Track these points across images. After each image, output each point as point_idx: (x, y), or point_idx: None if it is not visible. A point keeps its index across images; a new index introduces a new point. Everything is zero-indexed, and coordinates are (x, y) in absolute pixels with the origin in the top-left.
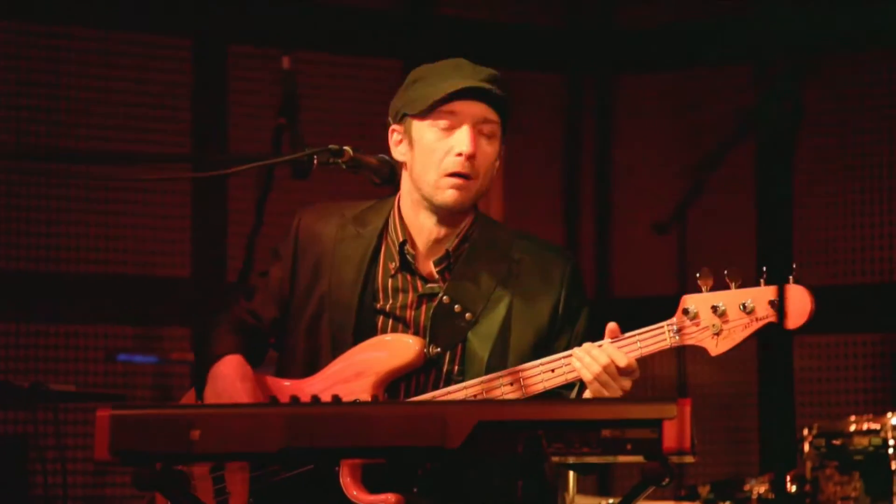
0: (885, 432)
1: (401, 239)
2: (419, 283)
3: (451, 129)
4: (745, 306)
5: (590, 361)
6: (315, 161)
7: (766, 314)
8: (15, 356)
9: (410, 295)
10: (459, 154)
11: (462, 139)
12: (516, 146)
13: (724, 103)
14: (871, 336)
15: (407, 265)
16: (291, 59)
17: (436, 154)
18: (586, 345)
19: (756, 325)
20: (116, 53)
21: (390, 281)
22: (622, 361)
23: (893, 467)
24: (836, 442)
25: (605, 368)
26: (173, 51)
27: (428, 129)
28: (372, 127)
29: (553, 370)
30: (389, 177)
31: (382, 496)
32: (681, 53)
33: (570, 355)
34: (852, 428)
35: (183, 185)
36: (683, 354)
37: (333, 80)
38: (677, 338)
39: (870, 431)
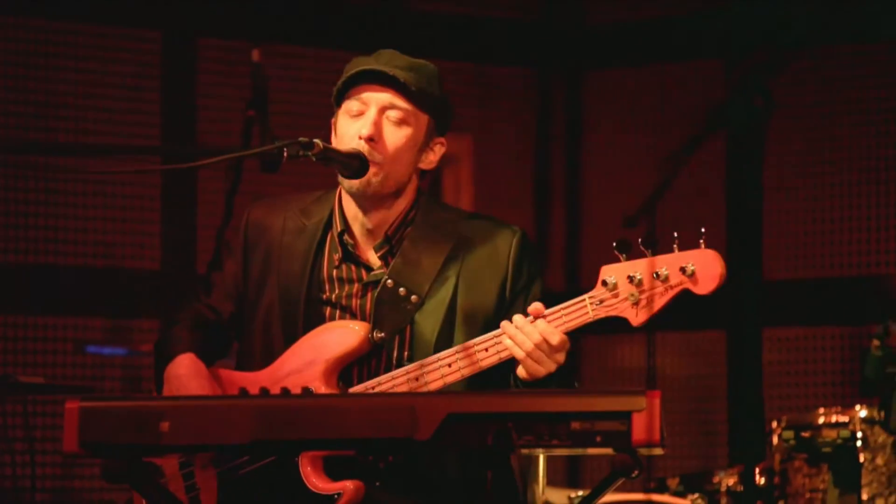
0: (854, 425)
1: (340, 229)
2: (363, 272)
3: (359, 114)
4: (658, 274)
5: (522, 339)
6: (285, 153)
7: (679, 281)
8: None
9: (356, 284)
10: (361, 137)
11: (363, 122)
12: (487, 139)
13: (694, 97)
14: (840, 329)
15: (349, 255)
16: (261, 51)
17: (345, 139)
18: (517, 319)
19: (671, 293)
20: (85, 45)
21: (335, 272)
22: (555, 339)
23: (861, 459)
24: (805, 434)
25: (538, 346)
26: (142, 43)
27: (342, 116)
28: None
29: (486, 349)
30: (359, 169)
31: (340, 483)
32: (652, 48)
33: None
34: (821, 420)
35: (152, 177)
36: (653, 346)
37: (303, 73)
38: (598, 310)
39: (838, 424)
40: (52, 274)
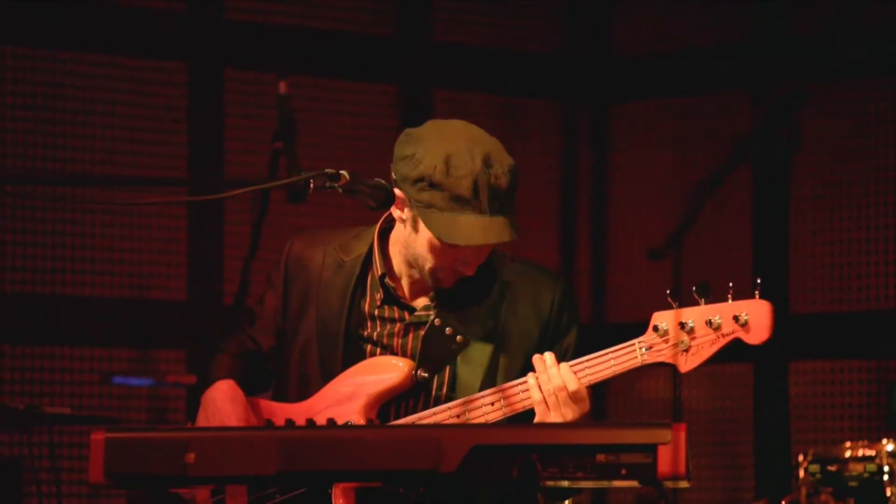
0: (880, 458)
1: (380, 272)
2: (406, 314)
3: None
4: (711, 322)
5: (546, 379)
6: (311, 185)
7: (731, 330)
8: (10, 378)
9: (398, 324)
10: (460, 272)
11: (467, 262)
12: None
13: (720, 130)
14: (867, 362)
15: (391, 297)
16: (288, 83)
17: (435, 257)
18: (547, 357)
19: (723, 341)
20: (113, 77)
21: (377, 311)
22: (573, 385)
23: (888, 494)
24: (832, 468)
25: (557, 390)
26: (170, 75)
27: (429, 234)
28: (368, 151)
29: (527, 389)
30: (386, 201)
31: None
32: (678, 80)
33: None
34: (847, 454)
35: (179, 208)
36: (679, 378)
37: (330, 105)
38: (647, 355)
39: (864, 458)
40: (79, 305)
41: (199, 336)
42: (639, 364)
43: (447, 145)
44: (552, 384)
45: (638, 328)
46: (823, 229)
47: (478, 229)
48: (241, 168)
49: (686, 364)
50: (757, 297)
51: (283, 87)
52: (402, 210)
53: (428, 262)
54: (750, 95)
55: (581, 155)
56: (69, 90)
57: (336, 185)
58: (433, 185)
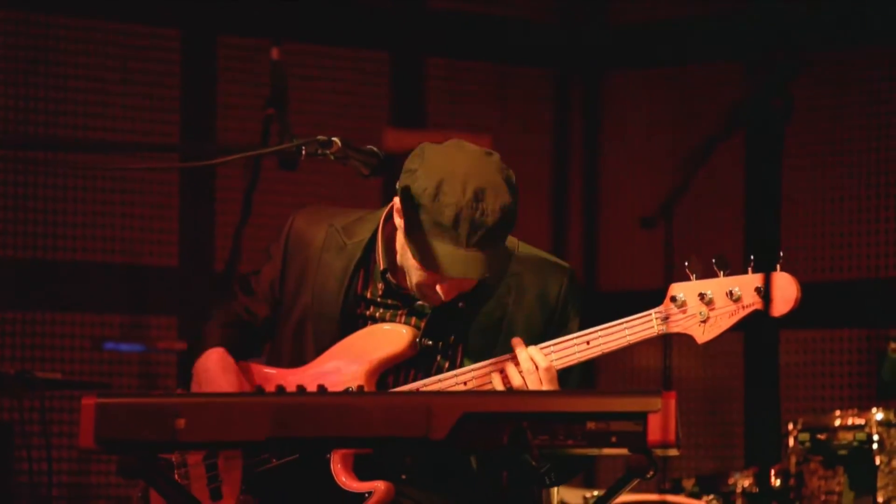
0: (870, 427)
1: (382, 267)
2: (409, 303)
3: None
4: (731, 293)
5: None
6: (303, 152)
7: (752, 301)
8: (1, 343)
9: (401, 310)
10: (438, 295)
11: (444, 290)
12: (504, 140)
13: (713, 99)
14: (857, 331)
15: (391, 291)
16: (281, 50)
17: (418, 276)
18: (515, 342)
19: (742, 313)
20: (105, 43)
21: (379, 298)
22: (542, 363)
23: (877, 462)
24: (821, 436)
25: (528, 373)
26: (162, 41)
27: (412, 255)
28: (360, 119)
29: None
30: (378, 168)
31: (371, 483)
32: (671, 49)
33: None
34: (837, 423)
35: (171, 174)
36: (669, 347)
37: (323, 72)
38: (664, 326)
39: (854, 426)
40: (70, 270)
41: (190, 302)
42: (654, 334)
43: (446, 170)
44: (524, 365)
45: (630, 297)
46: (815, 199)
47: (450, 259)
48: (233, 135)
49: (703, 335)
50: (778, 269)
51: (275, 53)
52: (398, 210)
53: (414, 276)
54: (744, 64)
55: (573, 123)
56: (62, 55)
57: (328, 152)
58: (420, 207)
